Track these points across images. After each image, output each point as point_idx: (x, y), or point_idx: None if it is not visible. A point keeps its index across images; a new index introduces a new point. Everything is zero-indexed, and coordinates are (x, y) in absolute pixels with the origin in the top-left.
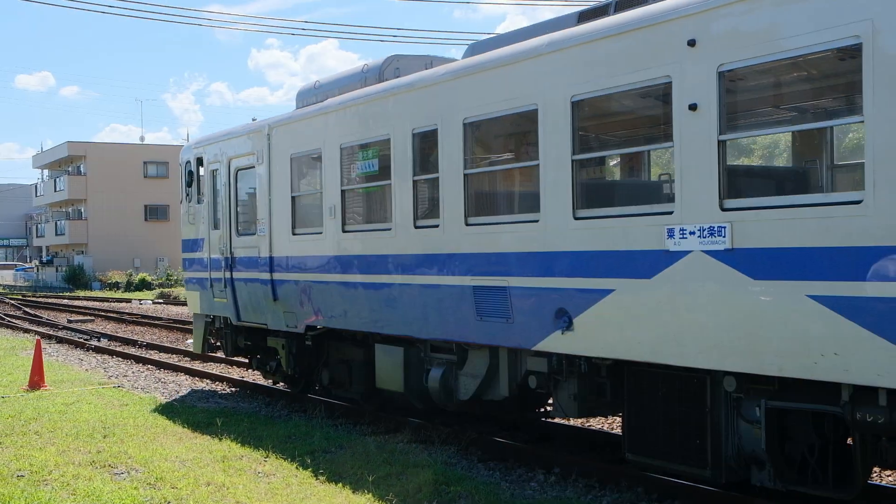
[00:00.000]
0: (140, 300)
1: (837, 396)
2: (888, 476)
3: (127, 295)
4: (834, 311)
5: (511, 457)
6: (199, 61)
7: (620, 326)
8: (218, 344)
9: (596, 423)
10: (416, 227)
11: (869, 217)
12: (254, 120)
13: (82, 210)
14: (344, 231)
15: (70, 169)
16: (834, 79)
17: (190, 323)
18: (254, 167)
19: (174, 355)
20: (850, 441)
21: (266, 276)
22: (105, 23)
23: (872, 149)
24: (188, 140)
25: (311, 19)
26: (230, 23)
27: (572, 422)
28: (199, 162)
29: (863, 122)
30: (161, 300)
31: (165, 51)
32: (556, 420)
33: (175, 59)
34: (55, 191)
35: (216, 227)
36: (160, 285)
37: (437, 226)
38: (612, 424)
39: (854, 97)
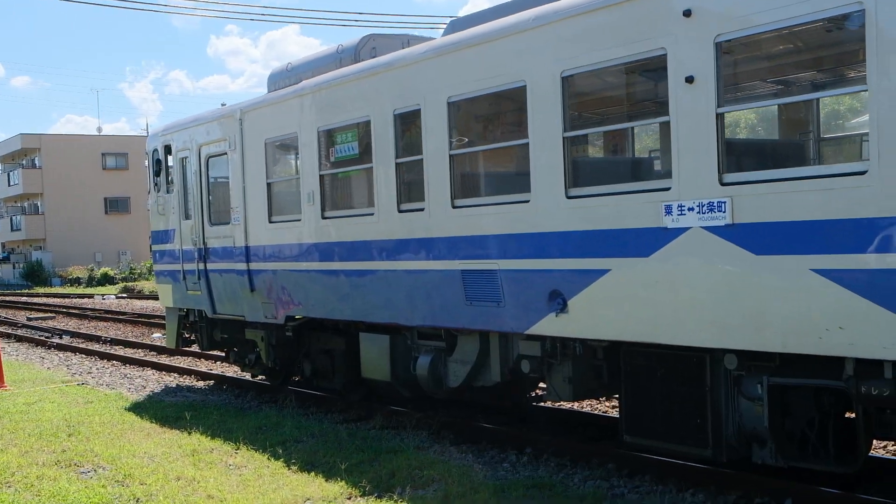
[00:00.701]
0: (103, 295)
1: (840, 371)
2: (890, 447)
3: (89, 290)
4: (838, 284)
5: (483, 439)
6: (156, 49)
7: (617, 307)
8: (192, 338)
9: (568, 403)
10: (401, 211)
11: (873, 188)
12: (223, 105)
13: (39, 204)
14: (323, 217)
15: (24, 162)
16: (835, 48)
17: (156, 317)
18: (226, 154)
19: (140, 350)
20: (850, 415)
21: (242, 266)
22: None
23: (877, 119)
24: (147, 130)
25: (271, 4)
26: (187, 9)
27: (548, 403)
28: (168, 150)
29: (866, 91)
30: (125, 295)
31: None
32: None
33: (131, 47)
34: (9, 185)
35: (188, 217)
36: (123, 279)
37: (422, 209)
38: (584, 405)
39: (857, 67)
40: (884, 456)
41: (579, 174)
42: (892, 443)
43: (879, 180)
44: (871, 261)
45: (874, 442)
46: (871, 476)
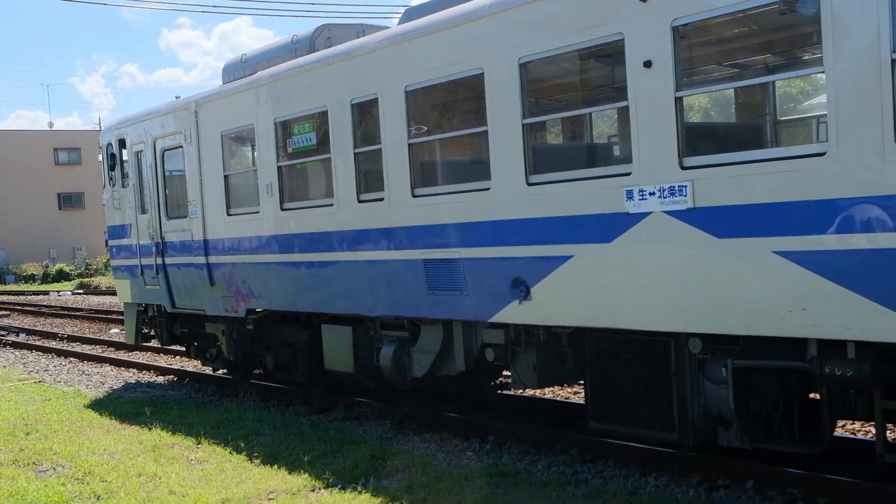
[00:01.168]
0: (58, 292)
1: (804, 352)
2: (852, 427)
3: (44, 287)
4: (800, 265)
5: (446, 428)
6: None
7: (580, 293)
8: (152, 333)
9: (533, 390)
10: (360, 202)
11: (832, 169)
12: (177, 98)
13: None
14: (282, 209)
15: None
16: (791, 31)
17: (114, 312)
18: (181, 147)
19: (98, 346)
20: (814, 396)
21: (201, 259)
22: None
23: (834, 100)
24: (100, 124)
25: None
26: (138, 1)
27: (513, 390)
28: (122, 144)
29: (823, 73)
30: (81, 291)
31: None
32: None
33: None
34: None
35: (144, 211)
36: (79, 275)
37: (381, 199)
38: (548, 392)
39: (813, 49)
40: (847, 436)
41: (539, 161)
42: (856, 422)
43: (838, 161)
44: (831, 242)
45: (838, 422)
46: (835, 456)
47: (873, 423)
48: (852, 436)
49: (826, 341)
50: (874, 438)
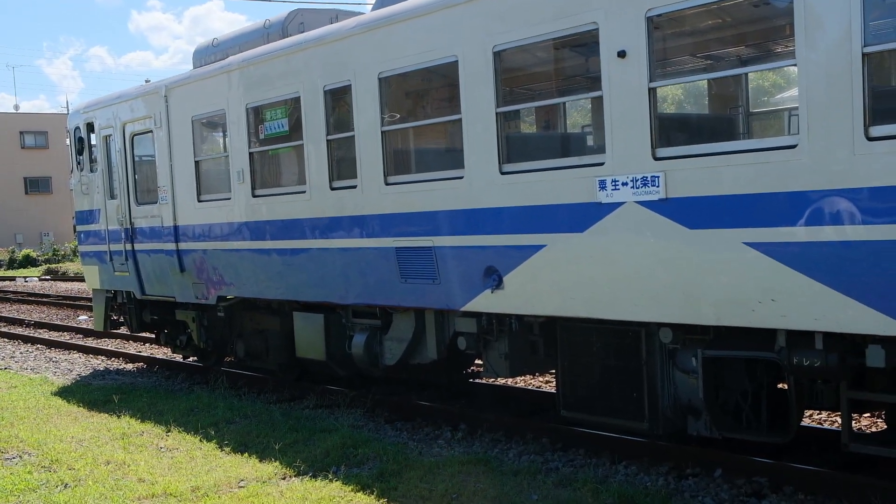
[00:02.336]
0: (25, 278)
1: (773, 342)
2: (819, 416)
3: (10, 273)
4: (770, 257)
5: (418, 416)
6: (74, 25)
7: (553, 282)
8: (121, 320)
9: (502, 379)
10: (333, 189)
11: (803, 161)
12: (147, 82)
13: None
14: (254, 196)
15: None
16: (764, 23)
17: (82, 299)
18: (151, 131)
19: (65, 333)
20: (782, 386)
21: (171, 246)
22: None
23: (806, 93)
24: (68, 108)
25: None
26: None
27: (485, 379)
28: (90, 128)
29: (795, 66)
30: (48, 277)
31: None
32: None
33: (48, 22)
34: None
35: (113, 196)
36: (46, 261)
37: (354, 186)
38: (520, 381)
39: (785, 42)
40: (814, 425)
41: (513, 150)
42: (822, 412)
43: (809, 154)
44: (801, 233)
45: (805, 412)
46: (802, 445)
47: (839, 413)
48: (819, 426)
49: (794, 332)
50: (840, 428)
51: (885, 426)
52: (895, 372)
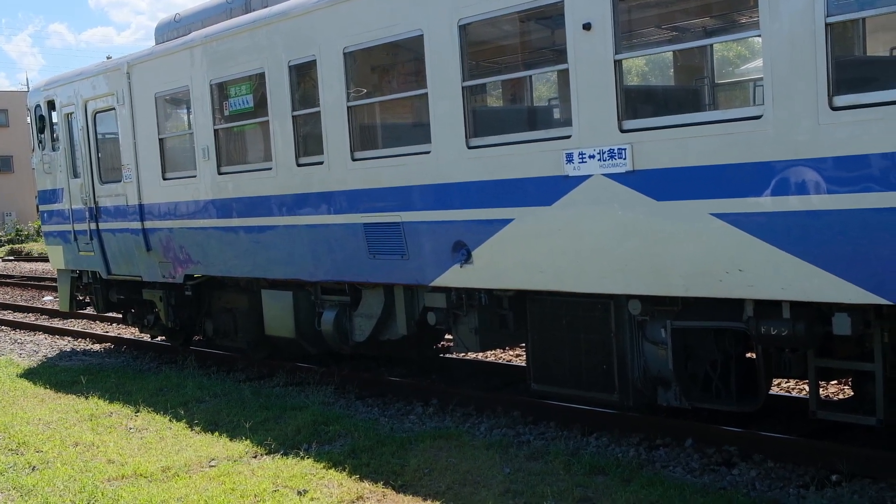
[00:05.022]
0: None
1: (741, 312)
2: (787, 385)
3: None
4: (737, 227)
5: (389, 392)
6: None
7: (521, 256)
8: (87, 300)
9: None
10: (299, 165)
11: (768, 132)
12: (109, 58)
13: None
14: (220, 173)
15: None
16: None
17: (47, 279)
18: (114, 109)
19: (30, 314)
20: (751, 355)
21: (137, 225)
22: None
23: (770, 63)
24: (28, 85)
25: None
26: None
27: (455, 354)
28: (51, 105)
29: (759, 36)
30: (12, 257)
31: None
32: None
33: None
34: None
35: (76, 175)
36: (9, 242)
37: (321, 162)
38: (490, 355)
39: (749, 12)
40: (782, 394)
41: (480, 124)
42: (790, 381)
43: (774, 124)
44: (767, 204)
45: (773, 380)
46: (771, 413)
47: (807, 381)
48: (787, 394)
49: (762, 302)
50: (808, 396)
51: (852, 393)
52: (861, 340)
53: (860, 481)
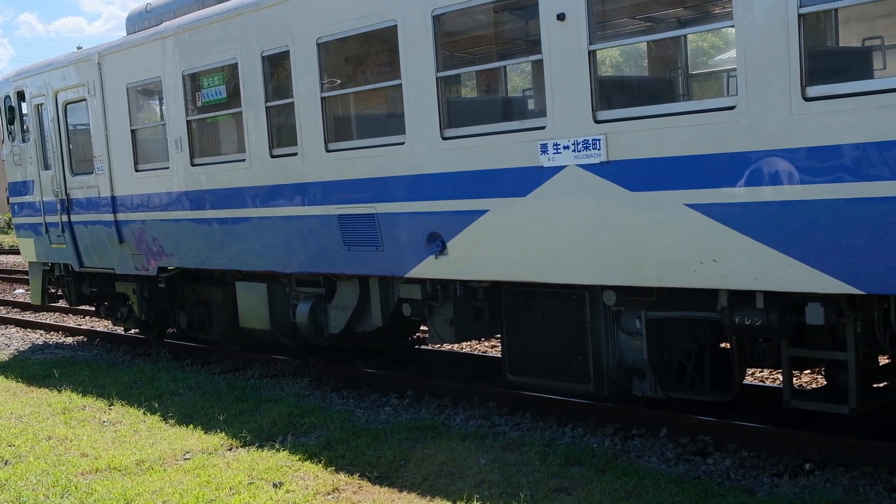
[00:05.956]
0: None
1: (715, 302)
2: (761, 374)
3: None
4: (711, 218)
5: (364, 383)
6: None
7: (496, 247)
8: (59, 293)
9: (447, 345)
10: (273, 157)
11: (742, 122)
12: (79, 48)
13: None
14: (193, 164)
15: None
16: None
17: (17, 272)
18: (85, 100)
19: (2, 307)
20: (725, 345)
21: (109, 217)
22: None
23: (744, 54)
24: None
25: None
26: None
27: (431, 345)
28: (21, 96)
29: (733, 27)
30: None
31: None
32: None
33: None
34: None
35: (47, 167)
36: None
37: (295, 154)
38: (465, 346)
39: (723, 3)
40: (756, 383)
41: (454, 115)
42: (764, 370)
43: (747, 115)
44: (741, 194)
45: (747, 370)
46: (745, 403)
47: (780, 370)
48: (761, 383)
49: (736, 292)
50: (781, 385)
51: (825, 382)
52: (834, 329)
53: (833, 469)
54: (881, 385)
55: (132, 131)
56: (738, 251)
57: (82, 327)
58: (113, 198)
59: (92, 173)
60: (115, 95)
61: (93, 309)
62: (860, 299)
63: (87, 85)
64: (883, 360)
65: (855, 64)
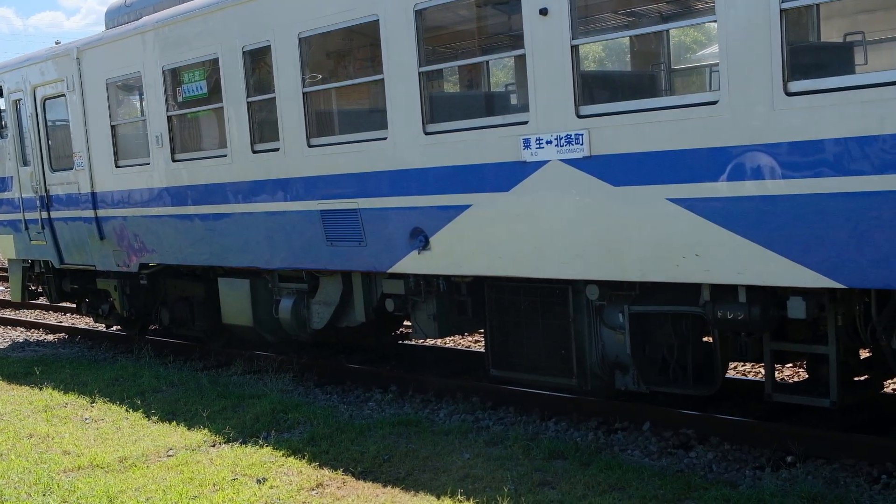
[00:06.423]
0: None
1: (697, 297)
2: (743, 368)
3: None
4: (693, 212)
5: (348, 379)
6: None
7: (479, 242)
8: (40, 290)
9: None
10: (255, 152)
11: (724, 117)
12: (57, 43)
13: None
14: (174, 160)
15: None
16: None
17: None
18: (64, 95)
19: None
20: (707, 339)
21: (90, 213)
22: None
23: (726, 49)
24: None
25: None
26: None
27: (414, 340)
28: None
29: (716, 22)
30: None
31: None
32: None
33: None
34: None
35: (26, 163)
36: None
37: (277, 149)
38: (449, 341)
39: None
40: (739, 377)
41: (437, 110)
42: (746, 364)
43: (730, 110)
44: (723, 189)
45: (730, 364)
46: (727, 396)
47: (763, 364)
48: (743, 377)
49: (718, 286)
50: (763, 379)
51: (806, 376)
52: (816, 323)
53: (814, 462)
54: (862, 378)
55: (112, 127)
56: (721, 246)
57: (63, 324)
58: (93, 194)
59: (72, 169)
60: (95, 91)
61: (74, 306)
62: (841, 293)
63: (66, 80)
64: (864, 354)
65: (836, 59)
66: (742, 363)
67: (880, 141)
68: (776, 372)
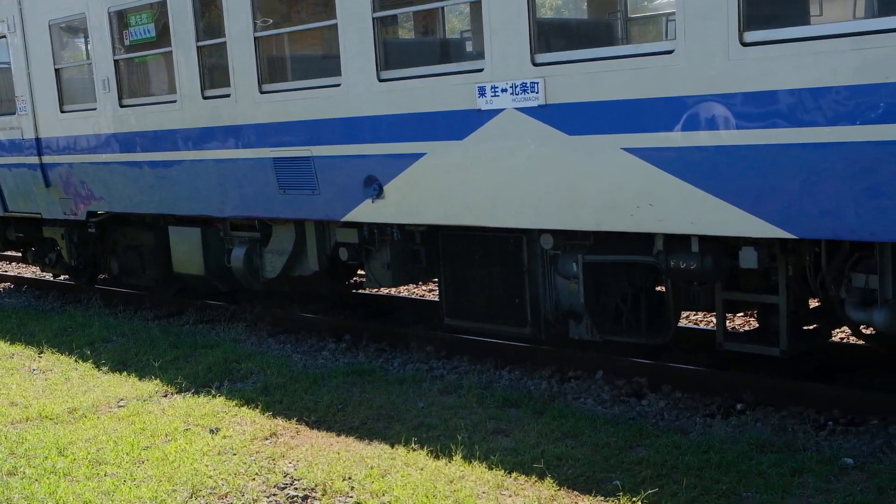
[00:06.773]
0: None
1: (651, 246)
2: (695, 317)
3: None
4: (648, 162)
5: (301, 328)
6: None
7: (433, 191)
8: None
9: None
10: (205, 98)
11: (680, 67)
12: None
13: None
14: (122, 106)
15: None
16: None
17: None
18: (5, 37)
19: None
20: (660, 289)
21: (34, 160)
22: None
23: None
24: None
25: None
26: None
27: (368, 290)
28: None
29: None
30: None
31: None
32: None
33: None
34: None
35: None
36: None
37: (228, 95)
38: (403, 290)
39: None
40: (691, 326)
41: (391, 57)
42: (699, 313)
43: (686, 59)
44: (678, 138)
45: (682, 313)
46: (679, 345)
47: (714, 313)
48: (695, 326)
49: (671, 236)
50: (715, 328)
51: (757, 325)
52: (767, 273)
53: (764, 409)
54: (811, 328)
55: (56, 70)
56: (674, 196)
57: (8, 274)
58: (38, 139)
59: (14, 114)
60: (38, 33)
61: (20, 255)
62: (792, 244)
63: (7, 21)
64: (813, 304)
65: (792, 10)
66: (694, 312)
67: (833, 92)
68: (727, 321)
